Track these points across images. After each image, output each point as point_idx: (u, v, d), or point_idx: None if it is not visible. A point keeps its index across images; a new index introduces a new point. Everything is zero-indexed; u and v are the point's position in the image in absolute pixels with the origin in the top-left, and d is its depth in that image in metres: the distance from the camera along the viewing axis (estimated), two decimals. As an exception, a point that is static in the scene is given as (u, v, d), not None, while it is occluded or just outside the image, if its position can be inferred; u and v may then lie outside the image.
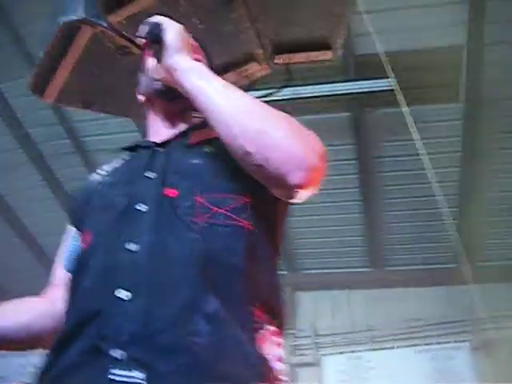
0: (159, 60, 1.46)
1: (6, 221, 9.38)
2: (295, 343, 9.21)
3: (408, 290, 9.45)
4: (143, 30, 1.51)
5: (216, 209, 1.27)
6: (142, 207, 1.28)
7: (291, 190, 1.22)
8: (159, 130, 1.64)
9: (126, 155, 1.65)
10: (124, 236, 1.22)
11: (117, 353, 1.03)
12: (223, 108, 1.28)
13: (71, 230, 1.58)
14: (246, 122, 1.24)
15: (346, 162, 7.96)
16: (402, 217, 8.71)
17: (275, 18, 2.03)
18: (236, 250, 1.22)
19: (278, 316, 1.26)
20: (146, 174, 1.38)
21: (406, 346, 8.98)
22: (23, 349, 1.41)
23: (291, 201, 1.29)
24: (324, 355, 9.13)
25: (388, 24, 6.40)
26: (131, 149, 1.66)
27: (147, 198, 1.30)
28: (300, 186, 1.21)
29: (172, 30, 1.46)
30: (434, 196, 6.35)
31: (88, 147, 8.56)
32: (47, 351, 1.17)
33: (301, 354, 9.12)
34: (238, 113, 1.26)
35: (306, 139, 1.27)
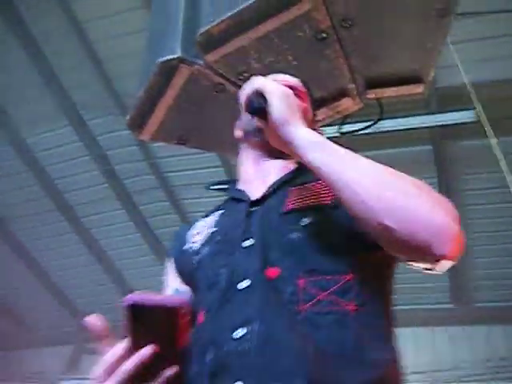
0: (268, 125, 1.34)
1: (93, 254, 9.65)
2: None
3: (494, 327, 9.15)
4: (243, 98, 1.40)
5: (319, 293, 1.20)
6: (244, 286, 1.24)
7: (438, 261, 1.15)
8: (250, 172, 1.62)
9: (217, 209, 1.62)
10: (229, 321, 1.20)
11: None
12: (354, 181, 1.17)
13: (173, 275, 1.59)
14: (383, 195, 1.14)
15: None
16: (488, 251, 8.48)
17: (368, 53, 2.04)
18: (345, 336, 1.16)
19: None
20: (244, 244, 1.33)
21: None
22: None
23: (432, 270, 1.21)
24: (409, 394, 8.92)
25: (467, 55, 6.32)
26: (223, 190, 1.66)
27: (249, 275, 1.25)
28: (447, 257, 1.14)
29: (276, 99, 1.30)
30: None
31: (172, 183, 8.73)
32: None
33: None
34: (373, 185, 1.16)
35: (445, 207, 1.19)
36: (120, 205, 9.06)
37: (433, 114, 6.82)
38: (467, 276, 8.93)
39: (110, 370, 1.09)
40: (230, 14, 1.82)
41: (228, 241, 1.40)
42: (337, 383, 1.09)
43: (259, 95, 1.33)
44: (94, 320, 1.14)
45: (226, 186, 1.68)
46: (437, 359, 9.22)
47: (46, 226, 9.55)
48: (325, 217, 1.33)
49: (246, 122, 1.65)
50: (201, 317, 1.31)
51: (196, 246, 1.51)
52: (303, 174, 1.49)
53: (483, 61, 6.52)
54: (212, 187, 1.78)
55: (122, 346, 1.10)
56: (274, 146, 1.38)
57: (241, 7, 1.79)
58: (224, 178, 8.00)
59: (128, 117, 2.25)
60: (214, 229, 1.51)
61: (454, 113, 6.74)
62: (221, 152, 2.49)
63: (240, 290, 1.23)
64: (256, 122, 1.40)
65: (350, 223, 1.24)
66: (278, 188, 1.48)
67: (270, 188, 1.49)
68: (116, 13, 6.79)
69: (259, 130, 1.47)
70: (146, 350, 1.07)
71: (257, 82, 1.37)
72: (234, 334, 1.16)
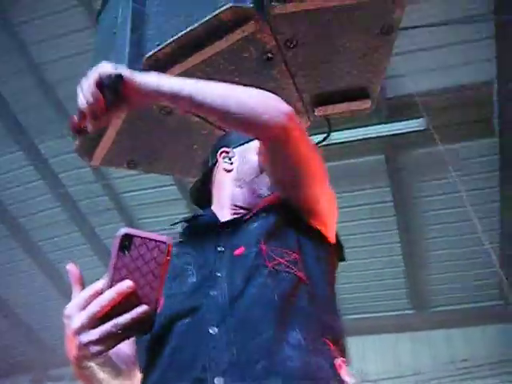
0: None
1: (49, 277, 9.50)
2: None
3: (454, 330, 9.28)
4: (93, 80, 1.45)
5: (278, 258, 1.41)
6: (220, 274, 1.41)
7: (280, 130, 1.46)
8: (228, 205, 1.77)
9: (182, 228, 1.76)
10: (205, 291, 1.36)
11: (219, 380, 1.13)
12: (207, 94, 1.48)
13: None
14: (227, 98, 1.48)
15: (383, 204, 7.94)
16: (445, 256, 8.60)
17: (314, 72, 2.06)
18: (301, 295, 1.36)
19: (343, 351, 1.37)
20: (219, 249, 1.51)
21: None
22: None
23: (277, 142, 1.50)
24: (372, 401, 8.97)
25: (414, 65, 6.44)
26: (188, 221, 1.76)
27: (223, 266, 1.44)
28: (285, 126, 1.45)
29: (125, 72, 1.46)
30: (476, 233, 6.29)
31: (127, 203, 8.67)
32: None
33: (349, 400, 8.96)
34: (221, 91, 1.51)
35: (273, 97, 1.53)
36: (75, 227, 8.95)
37: (384, 123, 6.91)
38: (423, 281, 9.04)
39: (84, 305, 1.07)
40: (175, 37, 1.82)
41: (198, 247, 1.57)
42: (298, 329, 1.25)
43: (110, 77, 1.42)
44: (72, 267, 1.13)
45: (190, 218, 1.78)
46: (399, 365, 9.30)
47: (2, 253, 9.37)
48: (278, 210, 1.60)
49: (257, 183, 1.81)
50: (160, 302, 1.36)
51: None
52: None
53: (432, 69, 6.65)
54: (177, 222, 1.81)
55: (100, 282, 1.08)
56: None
57: (186, 30, 1.80)
58: (177, 195, 8.02)
59: (76, 143, 2.23)
60: (181, 239, 1.68)
61: (405, 122, 6.85)
62: (170, 173, 2.49)
63: (217, 275, 1.41)
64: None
65: (292, 214, 1.59)
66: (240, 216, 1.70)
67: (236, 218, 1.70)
68: (62, 34, 6.73)
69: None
70: (124, 284, 1.04)
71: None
72: (210, 293, 1.34)
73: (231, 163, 1.83)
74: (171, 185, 8.05)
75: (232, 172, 1.81)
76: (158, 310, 1.32)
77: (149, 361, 1.29)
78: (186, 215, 1.87)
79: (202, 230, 1.67)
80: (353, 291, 9.16)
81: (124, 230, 1.08)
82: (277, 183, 1.67)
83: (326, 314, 1.38)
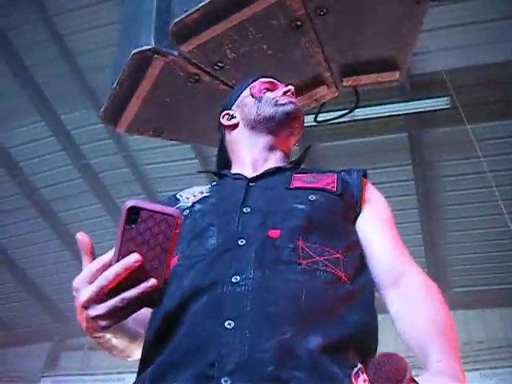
0: None
1: (70, 250, 9.58)
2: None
3: (471, 311, 9.26)
4: None
5: (316, 257, 1.31)
6: (244, 243, 1.31)
7: None
8: (247, 161, 1.69)
9: (211, 185, 1.68)
10: (227, 269, 1.26)
11: (226, 381, 1.06)
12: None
13: None
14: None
15: (405, 182, 7.90)
16: (465, 237, 8.56)
17: (343, 41, 2.03)
18: (335, 295, 1.26)
19: (371, 355, 1.29)
20: (244, 210, 1.42)
21: (471, 370, 8.76)
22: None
23: None
24: (388, 379, 8.99)
25: (440, 42, 6.35)
26: (218, 176, 1.72)
27: (250, 235, 1.33)
28: None
29: None
30: (497, 214, 6.23)
31: (147, 175, 8.70)
32: (145, 377, 1.19)
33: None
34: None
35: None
36: (96, 199, 9.00)
37: (408, 101, 6.85)
38: (442, 261, 9.01)
39: (92, 278, 1.06)
40: (203, 3, 1.79)
41: (223, 205, 1.49)
42: (320, 333, 1.15)
43: None
44: (83, 236, 1.11)
45: (219, 172, 1.74)
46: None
47: (22, 223, 9.47)
48: (330, 200, 1.47)
49: (265, 107, 1.72)
50: (174, 261, 1.35)
51: (188, 203, 1.57)
52: (300, 167, 1.69)
53: (457, 48, 6.57)
54: (206, 170, 1.77)
55: (108, 255, 1.07)
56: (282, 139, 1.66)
57: (214, -4, 1.78)
58: (199, 168, 7.98)
59: (102, 110, 2.22)
60: (208, 194, 1.58)
61: (429, 100, 6.78)
62: (197, 142, 2.48)
63: (240, 245, 1.30)
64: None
65: (348, 213, 1.48)
66: (278, 171, 1.61)
67: (269, 169, 1.61)
68: (87, 5, 6.72)
69: (285, 114, 1.67)
70: (131, 258, 1.04)
71: None
72: (233, 278, 1.22)
73: (234, 117, 1.78)
74: (193, 158, 8.06)
75: (239, 124, 1.77)
76: (174, 273, 1.30)
77: (158, 336, 1.26)
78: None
79: (230, 187, 1.59)
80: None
81: (131, 203, 1.05)
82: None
83: (359, 316, 1.28)
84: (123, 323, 1.23)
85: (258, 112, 1.71)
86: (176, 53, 1.99)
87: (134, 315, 1.24)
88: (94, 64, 7.11)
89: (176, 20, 1.86)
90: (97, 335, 1.14)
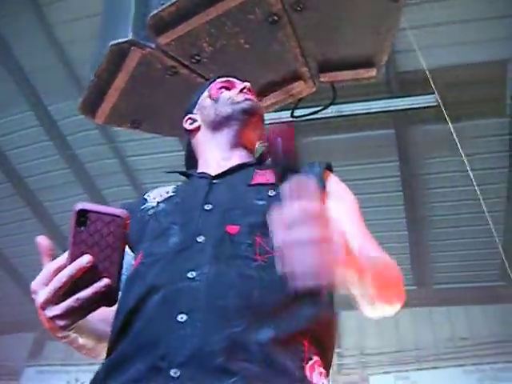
0: None
1: (55, 240, 9.56)
2: (341, 362, 9.14)
3: (455, 308, 9.31)
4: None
5: (273, 251, 1.28)
6: (203, 240, 1.33)
7: (386, 309, 1.38)
8: (212, 161, 1.70)
9: (176, 184, 1.70)
10: (184, 265, 1.28)
11: (175, 372, 1.08)
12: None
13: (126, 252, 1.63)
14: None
15: (391, 178, 7.92)
16: (449, 234, 8.61)
17: (320, 37, 2.04)
18: (290, 289, 1.26)
19: (327, 348, 1.31)
20: (206, 207, 1.43)
21: (454, 366, 8.82)
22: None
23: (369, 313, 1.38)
24: (371, 374, 9.03)
25: (429, 40, 6.37)
26: (184, 175, 1.74)
27: (208, 232, 1.35)
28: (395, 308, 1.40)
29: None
30: (481, 213, 6.26)
31: (133, 167, 8.69)
32: (100, 369, 1.22)
33: (347, 374, 9.05)
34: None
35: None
36: (82, 189, 8.99)
37: (395, 98, 6.87)
38: (428, 258, 9.06)
39: (48, 280, 1.11)
40: (180, -4, 1.80)
41: (186, 203, 1.51)
42: (272, 327, 1.17)
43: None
44: (43, 240, 1.17)
45: (185, 171, 1.77)
46: (399, 340, 9.35)
47: (7, 212, 9.44)
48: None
49: (222, 107, 1.73)
50: (138, 259, 1.41)
51: (153, 203, 1.61)
52: (265, 163, 1.66)
53: (444, 46, 6.58)
54: (174, 171, 1.80)
55: (63, 257, 1.12)
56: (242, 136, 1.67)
57: (191, -11, 1.78)
58: (184, 161, 7.99)
59: (80, 100, 2.22)
60: (173, 194, 1.61)
61: (416, 97, 6.80)
62: (174, 135, 2.48)
63: (198, 242, 1.32)
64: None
65: None
66: (241, 168, 1.62)
67: (232, 167, 1.62)
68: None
69: (242, 111, 1.68)
70: (83, 259, 1.08)
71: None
72: (188, 274, 1.24)
73: (196, 121, 1.80)
74: (179, 150, 8.04)
75: (201, 127, 1.79)
76: (135, 271, 1.38)
77: (117, 331, 1.28)
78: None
79: (194, 185, 1.61)
80: (356, 265, 9.18)
81: (79, 206, 1.09)
82: None
83: (315, 310, 1.28)
84: (88, 323, 1.29)
85: (216, 112, 1.72)
86: (153, 45, 1.99)
87: (101, 315, 1.32)
88: (82, 54, 7.06)
89: (153, 13, 1.87)
90: (60, 335, 1.18)
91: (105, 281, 1.09)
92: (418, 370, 8.94)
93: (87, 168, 8.79)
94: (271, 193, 1.46)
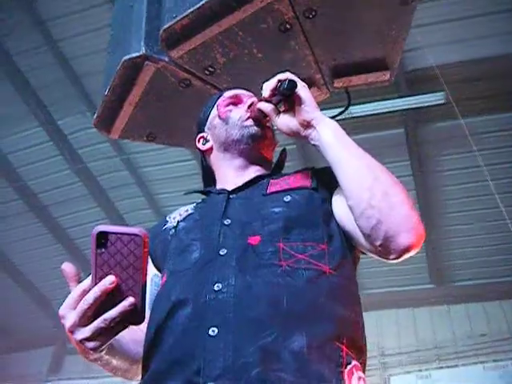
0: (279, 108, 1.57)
1: (69, 253, 9.59)
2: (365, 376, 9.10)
3: (473, 305, 9.27)
4: (272, 83, 1.55)
5: (298, 255, 1.33)
6: (225, 253, 1.35)
7: (399, 249, 1.31)
8: (229, 178, 1.73)
9: (196, 202, 1.74)
10: (210, 278, 1.29)
11: None
12: (357, 165, 1.41)
13: (151, 270, 1.66)
14: (375, 181, 1.36)
15: (403, 178, 7.90)
16: (464, 231, 8.57)
17: (333, 43, 2.04)
18: (319, 291, 1.28)
19: (362, 351, 1.31)
20: (225, 222, 1.46)
21: (475, 363, 8.76)
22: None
23: (386, 259, 1.38)
24: (392, 375, 8.99)
25: (434, 38, 6.36)
26: (202, 193, 1.77)
27: (230, 245, 1.37)
28: (408, 248, 1.31)
29: (306, 88, 1.54)
30: (496, 208, 6.24)
31: (146, 177, 8.71)
32: None
33: (368, 376, 8.98)
34: (369, 172, 1.38)
35: (414, 207, 1.36)
36: (95, 202, 9.01)
37: (403, 97, 6.86)
38: (444, 256, 9.03)
39: (75, 304, 1.14)
40: (192, 9, 1.80)
41: (205, 219, 1.54)
42: (305, 333, 1.17)
43: (294, 83, 1.50)
44: (67, 266, 1.20)
45: (203, 190, 1.79)
46: (419, 339, 9.31)
47: (21, 228, 9.48)
48: (305, 195, 1.51)
49: (232, 130, 1.76)
50: (164, 278, 1.46)
51: (173, 223, 1.65)
52: (277, 172, 1.75)
53: (450, 43, 6.57)
54: (194, 191, 1.82)
55: (88, 280, 1.15)
56: (254, 157, 1.72)
57: (203, 2, 1.78)
58: (196, 170, 8.03)
59: (95, 117, 2.23)
60: (192, 211, 1.66)
61: (424, 95, 6.79)
62: (189, 147, 2.48)
63: (221, 255, 1.35)
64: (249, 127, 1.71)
65: (326, 203, 1.51)
66: (257, 180, 1.65)
67: (248, 180, 1.65)
68: (79, 10, 6.72)
69: (255, 137, 1.72)
70: (107, 280, 1.11)
71: (288, 74, 1.53)
72: (215, 286, 1.26)
73: (208, 140, 1.83)
74: (190, 159, 8.07)
75: (213, 146, 1.82)
76: (163, 289, 1.42)
77: (149, 348, 1.30)
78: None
79: (212, 202, 1.64)
80: (372, 266, 9.17)
81: (98, 228, 1.12)
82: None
83: (347, 311, 1.30)
84: (121, 345, 1.33)
85: (227, 135, 1.76)
86: (166, 58, 1.99)
87: (134, 336, 1.38)
88: (89, 68, 7.12)
89: (165, 26, 1.86)
90: (92, 358, 1.19)
91: (129, 300, 1.12)
92: (438, 368, 8.89)
93: (99, 181, 8.82)
94: (286, 198, 1.50)
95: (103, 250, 1.11)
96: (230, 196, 1.59)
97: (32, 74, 7.54)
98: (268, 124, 1.71)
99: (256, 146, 1.73)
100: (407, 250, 1.31)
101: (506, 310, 9.07)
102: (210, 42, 1.91)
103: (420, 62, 6.59)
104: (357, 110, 6.60)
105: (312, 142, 1.50)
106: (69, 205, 9.11)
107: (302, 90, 1.52)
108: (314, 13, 1.88)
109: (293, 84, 1.49)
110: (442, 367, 8.91)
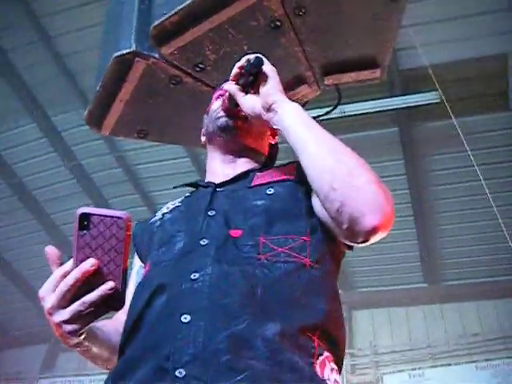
0: (249, 91, 1.55)
1: (62, 250, 9.57)
2: (354, 362, 9.14)
3: (466, 304, 9.30)
4: (241, 62, 1.55)
5: (278, 248, 1.33)
6: (206, 243, 1.35)
7: (365, 231, 1.26)
8: (218, 171, 1.73)
9: (185, 194, 1.75)
10: (188, 267, 1.29)
11: (180, 372, 1.09)
12: (318, 148, 1.37)
13: (137, 265, 1.69)
14: (337, 163, 1.32)
15: (396, 177, 7.92)
16: (457, 230, 8.59)
17: (323, 41, 2.04)
18: (296, 284, 1.28)
19: (337, 344, 1.31)
20: (209, 213, 1.46)
21: (467, 362, 8.80)
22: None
23: (357, 243, 1.33)
24: (385, 374, 9.02)
25: (428, 37, 6.37)
26: (191, 186, 1.76)
27: (212, 235, 1.37)
28: (375, 229, 1.25)
29: (273, 69, 1.55)
30: (489, 207, 6.25)
31: (140, 175, 8.71)
32: (108, 377, 1.23)
33: (361, 374, 9.03)
34: (331, 155, 1.34)
35: (383, 186, 1.32)
36: (89, 199, 9.01)
37: (397, 96, 6.87)
38: (437, 255, 9.05)
39: (55, 286, 1.14)
40: (182, 5, 1.80)
41: (190, 211, 1.55)
42: (278, 322, 1.17)
43: (261, 60, 1.51)
44: (50, 249, 1.19)
45: (192, 182, 1.77)
46: (412, 338, 9.34)
47: (16, 225, 9.48)
48: (289, 188, 1.50)
49: (207, 123, 1.79)
50: (146, 268, 1.47)
51: (159, 216, 1.66)
52: (268, 166, 1.72)
53: (445, 42, 6.58)
54: (183, 184, 1.83)
55: (70, 263, 1.14)
56: (231, 149, 1.71)
57: (193, -2, 1.78)
58: (190, 168, 8.05)
59: (86, 112, 2.23)
60: (179, 204, 1.67)
61: (418, 94, 6.80)
62: (181, 143, 2.49)
63: (202, 245, 1.35)
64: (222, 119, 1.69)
65: (309, 196, 1.47)
66: (245, 174, 1.64)
67: (236, 175, 1.64)
68: (74, 6, 6.71)
69: (223, 128, 1.70)
70: (87, 263, 1.11)
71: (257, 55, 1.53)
72: (191, 275, 1.26)
73: (204, 135, 1.86)
74: (185, 157, 8.07)
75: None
76: (144, 278, 1.42)
77: (126, 336, 1.30)
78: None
79: (198, 195, 1.65)
80: (365, 264, 9.19)
81: (81, 210, 1.11)
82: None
83: (322, 303, 1.29)
84: (103, 333, 1.34)
85: (207, 129, 1.79)
86: (157, 55, 1.99)
87: (116, 326, 1.40)
88: (83, 65, 7.11)
89: (155, 23, 1.87)
90: (72, 343, 1.19)
91: (110, 283, 1.11)
92: (431, 367, 8.93)
93: (93, 178, 8.82)
94: (269, 191, 1.50)
95: (85, 231, 1.10)
96: (217, 189, 1.59)
97: (26, 70, 7.53)
98: (242, 113, 1.64)
99: (230, 137, 1.72)
100: (373, 231, 1.25)
101: (499, 310, 9.10)
102: (200, 39, 1.91)
103: (414, 61, 6.60)
104: (351, 109, 6.60)
105: (274, 127, 1.49)
106: (63, 201, 9.11)
107: (268, 68, 1.52)
108: (303, 10, 1.88)
109: (259, 60, 1.50)
110: (435, 366, 8.95)
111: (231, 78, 1.59)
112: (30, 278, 10.39)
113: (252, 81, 1.53)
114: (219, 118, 1.71)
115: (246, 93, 1.56)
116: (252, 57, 1.51)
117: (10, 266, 10.25)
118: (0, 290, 10.56)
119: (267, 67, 1.52)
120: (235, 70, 1.56)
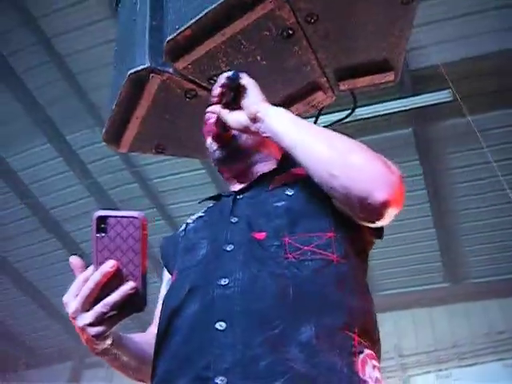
0: (234, 107, 1.57)
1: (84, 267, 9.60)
2: (381, 366, 9.07)
3: (490, 302, 9.23)
4: (219, 82, 1.59)
5: (304, 247, 1.33)
6: (232, 248, 1.37)
7: (377, 208, 1.26)
8: (236, 186, 1.76)
9: (207, 207, 1.78)
10: (215, 273, 1.31)
11: (222, 380, 1.10)
12: (310, 143, 1.38)
13: (165, 279, 1.73)
14: (331, 151, 1.33)
15: (413, 177, 7.89)
16: (477, 227, 8.54)
17: (336, 46, 2.04)
18: (327, 281, 1.28)
19: (375, 340, 1.32)
20: (232, 220, 1.48)
21: (493, 361, 8.73)
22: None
23: (376, 223, 1.33)
24: (412, 376, 8.96)
25: (437, 36, 6.35)
26: (214, 199, 1.79)
27: (236, 241, 1.39)
28: (386, 204, 1.25)
29: (251, 81, 1.57)
30: (509, 203, 6.22)
31: (156, 189, 8.74)
32: None
33: (388, 377, 8.98)
34: (324, 144, 1.36)
35: (384, 160, 1.33)
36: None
37: (409, 96, 6.85)
38: (458, 254, 8.99)
39: (77, 291, 1.16)
40: (194, 19, 1.81)
41: (213, 219, 1.59)
42: (313, 324, 1.18)
43: (237, 74, 1.56)
44: (74, 259, 1.21)
45: (214, 195, 1.82)
46: (437, 339, 9.28)
47: (35, 245, 9.53)
48: (308, 186, 1.46)
49: (209, 156, 1.84)
50: (173, 278, 1.50)
51: (184, 227, 1.71)
52: (283, 166, 1.70)
53: (453, 40, 6.56)
54: (207, 198, 1.85)
55: (91, 268, 1.16)
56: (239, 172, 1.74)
57: (204, 12, 1.79)
58: (207, 179, 8.07)
59: (103, 131, 2.24)
60: (202, 214, 1.71)
61: (431, 94, 6.78)
62: (198, 157, 2.50)
63: (228, 250, 1.36)
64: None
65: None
66: (262, 178, 1.67)
67: (253, 180, 1.68)
68: (83, 25, 6.76)
69: (220, 160, 1.75)
70: (107, 264, 1.12)
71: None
72: (221, 281, 1.27)
73: None
74: (200, 169, 8.09)
75: None
76: (171, 287, 1.45)
77: (159, 347, 1.31)
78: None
79: (220, 204, 1.67)
80: (386, 267, 9.16)
81: (97, 213, 1.14)
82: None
83: (357, 300, 1.30)
84: (132, 342, 1.37)
85: (211, 160, 1.83)
86: (171, 70, 2.00)
87: (147, 339, 1.42)
88: (95, 83, 7.16)
89: (168, 38, 1.87)
90: (99, 348, 1.21)
91: (130, 283, 1.13)
92: (458, 367, 8.87)
93: (110, 195, 8.85)
94: (289, 192, 1.51)
95: (103, 234, 1.13)
96: (237, 196, 1.60)
97: (39, 91, 7.59)
98: (232, 136, 1.71)
99: (232, 164, 1.76)
100: (384, 206, 1.25)
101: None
102: (213, 52, 1.92)
103: (424, 60, 6.59)
104: (363, 112, 6.59)
105: (264, 135, 1.49)
106: (81, 219, 9.15)
107: (246, 80, 1.55)
108: (315, 17, 1.88)
109: (236, 74, 1.53)
110: (461, 366, 8.88)
111: (214, 99, 1.61)
112: (53, 297, 10.44)
113: (233, 97, 1.56)
114: (214, 151, 1.75)
115: (231, 110, 1.58)
116: (230, 73, 1.56)
117: (32, 285, 10.31)
118: (22, 309, 10.62)
119: (244, 80, 1.55)
120: (217, 90, 1.59)
